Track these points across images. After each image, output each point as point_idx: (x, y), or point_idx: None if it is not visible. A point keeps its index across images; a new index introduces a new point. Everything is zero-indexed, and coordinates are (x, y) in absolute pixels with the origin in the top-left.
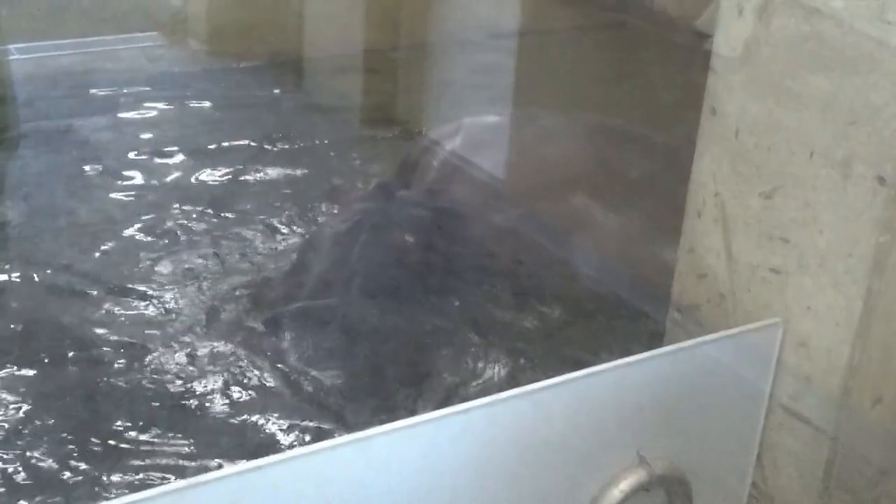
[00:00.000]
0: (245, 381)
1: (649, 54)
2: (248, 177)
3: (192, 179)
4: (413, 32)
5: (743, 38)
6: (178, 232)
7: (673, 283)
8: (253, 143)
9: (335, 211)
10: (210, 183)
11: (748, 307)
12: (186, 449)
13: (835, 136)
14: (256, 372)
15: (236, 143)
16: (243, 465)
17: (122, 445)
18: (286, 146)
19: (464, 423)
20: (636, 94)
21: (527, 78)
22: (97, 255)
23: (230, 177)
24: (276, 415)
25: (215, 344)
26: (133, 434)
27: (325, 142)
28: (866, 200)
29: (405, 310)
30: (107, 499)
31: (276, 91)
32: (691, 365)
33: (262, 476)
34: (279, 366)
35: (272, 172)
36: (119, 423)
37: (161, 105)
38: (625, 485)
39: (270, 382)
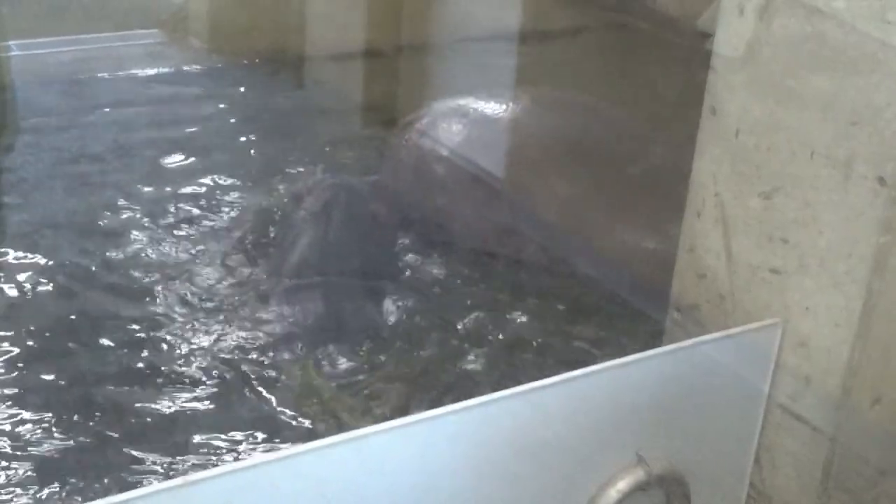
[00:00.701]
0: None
1: (649, 53)
2: (246, 172)
3: (192, 175)
4: (413, 32)
5: (744, 37)
6: (181, 225)
7: (672, 283)
8: (252, 140)
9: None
10: (209, 179)
11: (748, 307)
12: None
13: (836, 137)
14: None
15: (236, 140)
16: (238, 463)
17: None
18: (285, 144)
19: (460, 422)
20: (634, 92)
21: (525, 76)
22: (98, 252)
23: (230, 171)
24: None
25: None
26: None
27: (325, 138)
28: (867, 201)
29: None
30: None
31: (276, 88)
32: (690, 365)
33: (257, 474)
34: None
35: (270, 168)
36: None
37: (161, 103)
38: (623, 485)
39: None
